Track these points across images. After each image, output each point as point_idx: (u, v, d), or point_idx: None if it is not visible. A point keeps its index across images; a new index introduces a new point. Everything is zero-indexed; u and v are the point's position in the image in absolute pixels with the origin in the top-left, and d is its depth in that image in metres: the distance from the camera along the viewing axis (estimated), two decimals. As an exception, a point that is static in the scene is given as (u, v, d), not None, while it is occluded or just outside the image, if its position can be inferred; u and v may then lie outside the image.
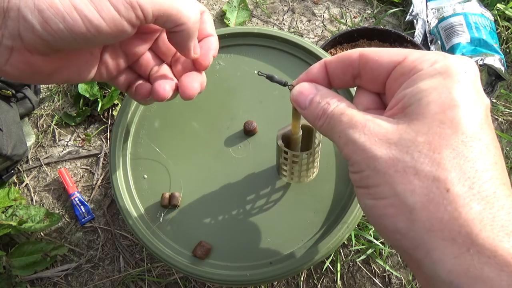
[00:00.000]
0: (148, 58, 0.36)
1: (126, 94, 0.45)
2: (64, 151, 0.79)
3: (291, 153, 0.39)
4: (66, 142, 0.80)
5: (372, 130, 0.23)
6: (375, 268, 0.68)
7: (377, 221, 0.23)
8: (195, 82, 0.34)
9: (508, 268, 0.19)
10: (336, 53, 0.79)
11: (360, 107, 0.28)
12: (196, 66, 0.35)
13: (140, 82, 0.36)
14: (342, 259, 0.68)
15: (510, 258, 0.19)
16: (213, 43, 0.34)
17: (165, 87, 0.33)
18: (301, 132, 0.38)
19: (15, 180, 0.77)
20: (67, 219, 0.74)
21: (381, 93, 0.28)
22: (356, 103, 0.29)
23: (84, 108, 0.80)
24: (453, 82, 0.22)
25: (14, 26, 0.24)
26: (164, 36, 0.35)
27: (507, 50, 0.84)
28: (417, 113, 0.23)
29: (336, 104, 0.26)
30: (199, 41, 0.34)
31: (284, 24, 0.91)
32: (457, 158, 0.21)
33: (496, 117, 0.79)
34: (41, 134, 0.81)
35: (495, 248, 0.20)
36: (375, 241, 0.67)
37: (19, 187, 0.76)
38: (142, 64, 0.36)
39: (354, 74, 0.28)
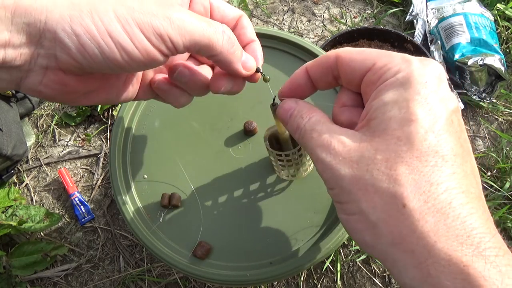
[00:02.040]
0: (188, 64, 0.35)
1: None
2: (64, 151, 0.79)
3: (275, 152, 0.40)
4: (66, 142, 0.80)
5: (337, 149, 0.25)
6: (375, 268, 0.68)
7: (350, 234, 0.25)
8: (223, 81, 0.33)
9: (461, 275, 0.21)
10: (336, 53, 0.79)
11: (338, 103, 0.30)
12: (249, 80, 0.35)
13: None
14: (342, 259, 0.68)
15: (463, 266, 0.21)
16: (258, 51, 0.34)
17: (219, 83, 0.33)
18: (287, 131, 0.38)
19: (15, 180, 0.77)
20: (67, 219, 0.74)
21: (362, 93, 0.29)
22: (336, 99, 0.30)
23: (84, 108, 0.80)
24: (413, 94, 0.23)
25: (50, 46, 0.24)
26: None
27: (507, 50, 0.84)
28: (379, 129, 0.24)
29: (307, 119, 0.27)
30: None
31: (284, 24, 0.91)
32: (412, 174, 0.22)
33: (496, 117, 0.79)
34: (41, 134, 0.81)
35: (449, 258, 0.21)
36: (375, 241, 0.67)
37: (19, 187, 0.76)
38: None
39: (335, 75, 0.29)
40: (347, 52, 0.27)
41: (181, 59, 0.35)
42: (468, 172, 0.23)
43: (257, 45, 0.34)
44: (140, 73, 0.33)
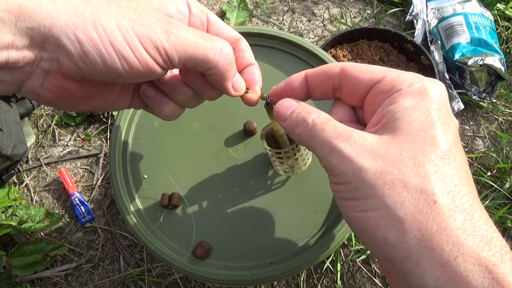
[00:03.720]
0: (184, 90, 0.34)
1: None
2: (64, 151, 0.79)
3: (273, 151, 0.40)
4: (66, 142, 0.80)
5: (358, 141, 0.24)
6: (375, 268, 0.68)
7: (366, 233, 0.24)
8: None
9: (490, 275, 0.21)
10: (336, 53, 0.79)
11: (336, 119, 0.30)
12: (244, 102, 0.34)
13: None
14: (342, 259, 0.68)
15: (492, 266, 0.21)
16: (256, 74, 0.34)
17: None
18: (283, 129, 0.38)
19: (15, 180, 0.77)
20: (67, 219, 0.74)
21: (357, 107, 0.30)
22: (331, 113, 0.30)
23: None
24: (431, 103, 0.25)
25: (53, 51, 0.24)
26: None
27: (507, 50, 0.84)
28: (401, 129, 0.24)
29: (317, 114, 0.27)
30: (239, 71, 0.34)
31: (284, 24, 0.91)
32: (439, 173, 0.23)
33: (496, 117, 0.79)
34: (41, 134, 0.81)
35: (478, 257, 0.21)
36: (375, 241, 0.67)
37: (19, 187, 0.76)
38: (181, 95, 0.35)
39: (335, 86, 0.29)
40: (353, 65, 0.28)
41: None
42: (473, 183, 0.25)
43: (255, 68, 0.34)
44: (132, 89, 0.33)
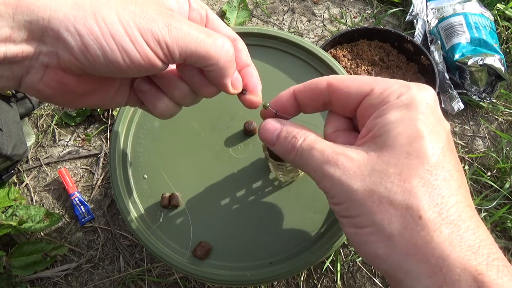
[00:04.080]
0: (180, 86, 0.33)
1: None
2: (64, 151, 0.79)
3: (276, 163, 0.39)
4: (66, 142, 0.80)
5: (345, 164, 0.25)
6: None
7: (359, 247, 0.25)
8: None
9: (476, 283, 0.22)
10: (336, 53, 0.79)
11: (331, 128, 0.30)
12: (246, 105, 0.34)
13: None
14: (342, 259, 0.68)
15: (477, 275, 0.22)
16: (254, 75, 0.33)
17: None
18: None
19: (15, 180, 0.77)
20: (67, 219, 0.74)
21: (353, 117, 0.30)
22: (327, 124, 0.31)
23: (84, 108, 0.80)
24: (417, 113, 0.25)
25: (53, 44, 0.24)
26: None
27: (507, 50, 0.84)
28: (387, 145, 0.25)
29: (303, 138, 0.28)
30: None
31: (284, 24, 0.91)
32: (425, 187, 0.23)
33: (496, 117, 0.79)
34: (41, 134, 0.81)
35: (464, 266, 0.22)
36: (375, 241, 0.67)
37: (19, 187, 0.76)
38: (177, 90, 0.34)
39: (325, 102, 0.30)
40: (339, 79, 0.28)
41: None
42: (467, 187, 0.25)
43: (253, 70, 0.34)
44: (129, 84, 0.33)
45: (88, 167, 0.78)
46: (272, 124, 0.30)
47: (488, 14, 0.81)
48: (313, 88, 0.29)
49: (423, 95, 0.26)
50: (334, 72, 0.50)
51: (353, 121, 0.31)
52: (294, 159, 0.28)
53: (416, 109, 0.25)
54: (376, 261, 0.25)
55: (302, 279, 0.67)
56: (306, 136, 0.28)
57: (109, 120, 0.80)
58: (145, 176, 0.48)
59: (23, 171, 0.78)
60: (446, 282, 0.22)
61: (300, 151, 0.27)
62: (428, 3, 0.85)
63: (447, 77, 0.76)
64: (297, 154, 0.28)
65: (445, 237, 0.23)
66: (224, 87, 0.31)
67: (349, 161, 0.25)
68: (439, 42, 0.80)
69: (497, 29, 0.83)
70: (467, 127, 0.79)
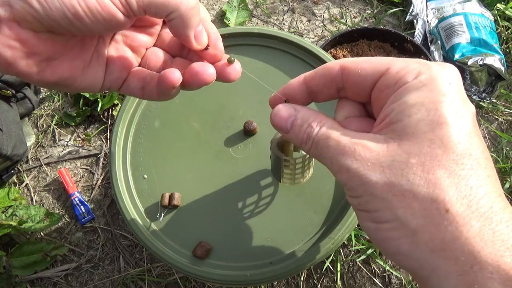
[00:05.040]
0: (158, 53, 0.33)
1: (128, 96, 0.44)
2: (64, 151, 0.79)
3: (289, 159, 0.38)
4: (66, 142, 0.80)
5: (363, 155, 0.23)
6: (375, 268, 0.68)
7: (380, 243, 0.24)
8: (209, 68, 0.30)
9: (510, 282, 0.20)
10: (336, 53, 0.79)
11: (342, 114, 0.28)
12: (208, 61, 0.30)
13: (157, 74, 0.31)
14: (342, 259, 0.68)
15: None
16: (212, 29, 0.31)
17: (175, 73, 0.29)
18: None
19: (15, 180, 0.77)
20: (67, 219, 0.74)
21: (367, 103, 0.28)
22: (338, 110, 0.28)
23: (84, 108, 0.80)
24: (439, 96, 0.23)
25: None
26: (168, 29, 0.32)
27: (507, 50, 0.84)
28: (407, 132, 0.23)
29: (319, 127, 0.26)
30: None
31: (284, 24, 0.91)
32: (451, 177, 0.21)
33: (496, 117, 0.79)
34: (41, 134, 0.81)
35: (497, 264, 0.20)
36: (375, 241, 0.67)
37: (19, 187, 0.76)
38: (152, 60, 0.32)
39: (338, 87, 0.27)
40: (353, 61, 0.26)
41: (146, 44, 0.33)
42: (496, 175, 0.23)
43: (210, 24, 0.31)
44: (104, 56, 0.31)
45: (88, 167, 0.78)
46: (286, 110, 0.27)
47: (488, 14, 0.81)
48: (325, 73, 0.27)
49: (445, 75, 0.23)
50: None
51: (366, 106, 0.29)
52: (310, 149, 0.26)
53: (438, 91, 0.23)
54: (398, 257, 0.23)
55: (302, 279, 0.67)
56: (322, 125, 0.26)
57: (109, 120, 0.81)
58: (145, 176, 0.48)
59: (23, 171, 0.78)
60: (477, 281, 0.20)
61: (316, 142, 0.25)
62: (428, 3, 0.85)
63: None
64: (313, 145, 0.26)
65: (476, 231, 0.21)
66: (187, 40, 0.28)
67: (367, 152, 0.23)
68: (439, 42, 0.80)
69: (497, 29, 0.83)
70: (467, 127, 0.79)
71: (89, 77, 0.30)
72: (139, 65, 0.33)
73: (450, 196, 0.21)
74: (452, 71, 0.24)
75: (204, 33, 0.30)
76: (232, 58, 0.30)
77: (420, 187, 0.22)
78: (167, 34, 0.33)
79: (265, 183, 0.47)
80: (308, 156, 0.39)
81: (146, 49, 0.32)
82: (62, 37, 0.27)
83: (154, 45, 0.33)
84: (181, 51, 0.33)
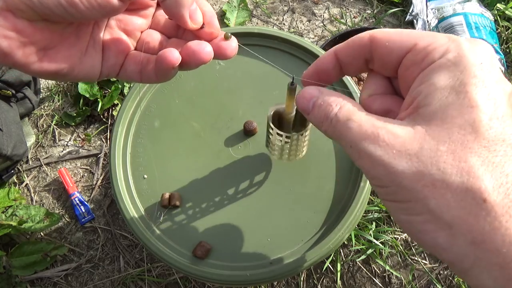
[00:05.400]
0: (153, 35, 0.32)
1: (129, 91, 0.44)
2: (64, 151, 0.79)
3: (276, 131, 0.38)
4: (66, 142, 0.80)
5: (387, 141, 0.21)
6: (375, 268, 0.68)
7: (415, 235, 0.22)
8: (206, 46, 0.29)
9: None
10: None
11: (367, 92, 0.27)
12: (205, 39, 0.30)
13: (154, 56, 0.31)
14: (342, 259, 0.68)
15: None
16: (207, 7, 0.30)
17: (173, 52, 0.28)
18: (294, 112, 0.37)
19: (15, 180, 0.77)
20: (67, 219, 0.74)
21: (394, 78, 0.27)
22: (364, 89, 0.28)
23: (84, 108, 0.80)
24: (469, 77, 0.21)
25: None
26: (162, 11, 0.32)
27: (507, 50, 0.84)
28: (435, 117, 0.21)
29: (339, 107, 0.24)
30: None
31: (284, 24, 0.91)
32: (485, 165, 0.20)
33: (496, 117, 0.79)
34: (41, 134, 0.81)
35: None
36: (375, 241, 0.67)
37: (19, 187, 0.76)
38: (147, 43, 0.32)
39: (367, 58, 0.26)
40: (383, 32, 0.25)
41: (141, 27, 0.32)
42: None
43: (204, 1, 0.31)
44: (100, 43, 0.31)
45: (88, 167, 0.78)
46: (310, 92, 0.26)
47: (488, 14, 0.81)
48: (355, 42, 0.26)
49: (476, 53, 0.22)
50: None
51: (393, 83, 0.27)
52: (327, 130, 0.24)
53: (468, 72, 0.21)
54: (436, 250, 0.21)
55: (302, 279, 0.67)
56: (343, 105, 0.24)
57: (109, 120, 0.81)
58: (145, 176, 0.48)
59: (23, 171, 0.78)
60: None
61: (334, 121, 0.24)
62: (428, 3, 0.85)
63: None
64: (331, 125, 0.24)
65: None
66: (182, 19, 0.28)
67: (391, 137, 0.21)
68: (439, 42, 0.80)
69: (497, 29, 0.83)
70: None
71: (86, 65, 0.29)
72: (135, 49, 0.32)
73: (486, 184, 0.20)
74: (483, 48, 0.22)
75: (199, 11, 0.29)
76: (229, 34, 0.30)
77: (453, 176, 0.20)
78: (162, 15, 0.32)
79: (265, 183, 0.47)
80: (298, 136, 0.39)
81: (141, 32, 0.32)
82: (58, 26, 0.27)
83: (149, 28, 0.33)
84: (177, 31, 0.32)
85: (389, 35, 0.24)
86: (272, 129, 0.39)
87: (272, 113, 0.39)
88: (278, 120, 0.39)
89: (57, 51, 0.27)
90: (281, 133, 0.39)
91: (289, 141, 0.39)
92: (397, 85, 0.27)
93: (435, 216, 0.21)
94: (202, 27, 0.29)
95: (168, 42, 0.32)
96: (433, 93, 0.21)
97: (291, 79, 0.31)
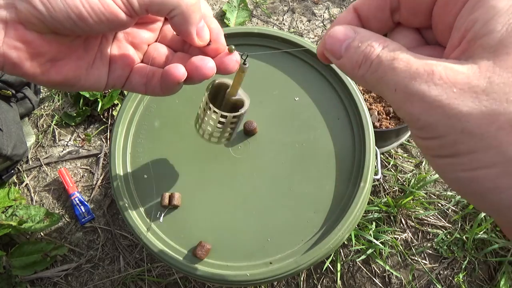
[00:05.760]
0: (160, 49, 0.33)
1: (128, 94, 0.44)
2: (64, 151, 0.79)
3: (213, 110, 0.37)
4: (66, 142, 0.80)
5: (445, 78, 0.18)
6: (375, 268, 0.68)
7: (482, 197, 0.18)
8: (209, 61, 0.29)
9: None
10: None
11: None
12: (211, 56, 0.30)
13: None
14: (342, 259, 0.68)
15: None
16: (214, 23, 0.31)
17: (179, 68, 0.29)
18: (237, 96, 0.37)
19: (15, 180, 0.77)
20: (67, 219, 0.74)
21: (423, 28, 0.24)
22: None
23: (84, 108, 0.80)
24: None
25: None
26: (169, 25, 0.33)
27: (507, 50, 0.84)
28: (502, 45, 0.17)
29: (382, 46, 0.20)
30: None
31: (284, 24, 0.91)
32: None
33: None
34: (41, 134, 0.81)
35: None
36: (375, 241, 0.67)
37: (19, 187, 0.76)
38: (154, 56, 0.32)
39: (393, 8, 0.23)
40: None
41: (148, 40, 0.33)
42: None
43: (212, 19, 0.31)
44: (107, 55, 0.31)
45: (88, 167, 0.78)
46: (343, 31, 0.22)
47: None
48: None
49: None
50: (335, 72, 0.50)
51: (424, 35, 0.24)
52: (365, 74, 0.21)
53: None
54: None
55: (302, 279, 0.67)
56: (387, 45, 0.20)
57: (109, 120, 0.81)
58: (145, 176, 0.48)
59: (23, 171, 0.78)
60: None
61: (376, 63, 0.20)
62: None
63: None
64: (372, 67, 0.20)
65: None
66: (190, 37, 0.29)
67: (450, 73, 0.18)
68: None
69: (497, 29, 0.83)
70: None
71: (93, 76, 0.30)
72: (142, 61, 0.33)
73: None
74: None
75: (206, 29, 0.30)
76: (233, 47, 0.30)
77: None
78: (169, 29, 0.33)
79: (265, 183, 0.47)
80: (235, 118, 0.37)
81: (148, 45, 0.33)
82: (67, 38, 0.27)
83: (156, 41, 0.34)
84: (183, 45, 0.33)
85: None
86: (210, 108, 0.37)
87: (212, 87, 0.37)
88: (217, 97, 0.38)
89: (65, 63, 0.28)
90: (219, 111, 0.37)
91: (225, 121, 0.38)
92: (428, 36, 0.24)
93: None
94: (209, 44, 0.30)
95: (174, 56, 0.32)
96: (495, 17, 0.18)
97: (244, 57, 0.31)
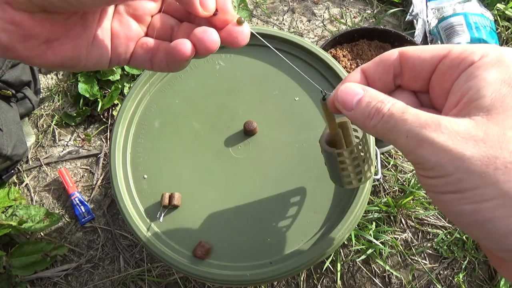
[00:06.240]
0: (164, 20, 0.30)
1: (129, 91, 0.44)
2: (64, 151, 0.79)
3: (343, 151, 0.35)
4: (66, 142, 0.80)
5: (450, 128, 0.22)
6: (375, 268, 0.68)
7: (482, 226, 0.22)
8: (212, 33, 0.27)
9: None
10: (336, 53, 0.79)
11: None
12: (219, 27, 0.28)
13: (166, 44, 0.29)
14: (342, 259, 0.68)
15: None
16: None
17: (186, 44, 0.27)
18: (339, 129, 0.35)
19: (15, 180, 0.77)
20: (67, 219, 0.74)
21: (420, 92, 0.28)
22: None
23: (84, 108, 0.80)
24: None
25: None
26: None
27: (507, 50, 0.84)
28: (494, 107, 0.21)
29: (392, 103, 0.24)
30: None
31: (284, 24, 0.91)
32: None
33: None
34: (41, 134, 0.81)
35: None
36: (375, 241, 0.67)
37: (19, 187, 0.76)
38: (158, 28, 0.30)
39: (396, 73, 0.27)
40: (412, 48, 0.26)
41: (150, 11, 0.30)
42: None
43: None
44: (108, 31, 0.29)
45: (88, 167, 0.78)
46: (353, 88, 0.26)
47: (488, 14, 0.81)
48: (383, 59, 0.27)
49: None
50: (334, 72, 0.50)
51: (419, 98, 0.28)
52: (377, 124, 0.24)
53: None
54: (508, 240, 0.21)
55: (302, 279, 0.67)
56: (395, 102, 0.24)
57: (109, 120, 0.81)
58: (145, 176, 0.48)
59: (23, 171, 0.78)
60: None
61: (388, 115, 0.24)
62: (428, 3, 0.85)
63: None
64: (383, 119, 0.24)
65: None
66: (192, 7, 0.26)
67: (454, 125, 0.21)
68: (439, 42, 0.80)
69: (497, 29, 0.83)
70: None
71: (94, 55, 0.28)
72: (146, 34, 0.31)
73: None
74: None
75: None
76: (242, 19, 0.28)
77: None
78: None
79: (265, 183, 0.47)
80: (361, 141, 0.36)
81: (151, 16, 0.30)
82: (60, 16, 0.25)
83: (160, 11, 0.31)
84: (188, 14, 0.30)
85: (419, 48, 0.26)
86: (326, 152, 0.36)
87: (324, 143, 0.36)
88: (330, 144, 0.37)
89: (61, 43, 0.26)
90: (338, 150, 0.35)
91: (357, 155, 0.36)
92: (423, 99, 0.28)
93: (510, 198, 0.20)
94: (215, 14, 0.27)
95: (180, 27, 0.30)
96: (487, 86, 0.22)
97: (322, 94, 0.30)
